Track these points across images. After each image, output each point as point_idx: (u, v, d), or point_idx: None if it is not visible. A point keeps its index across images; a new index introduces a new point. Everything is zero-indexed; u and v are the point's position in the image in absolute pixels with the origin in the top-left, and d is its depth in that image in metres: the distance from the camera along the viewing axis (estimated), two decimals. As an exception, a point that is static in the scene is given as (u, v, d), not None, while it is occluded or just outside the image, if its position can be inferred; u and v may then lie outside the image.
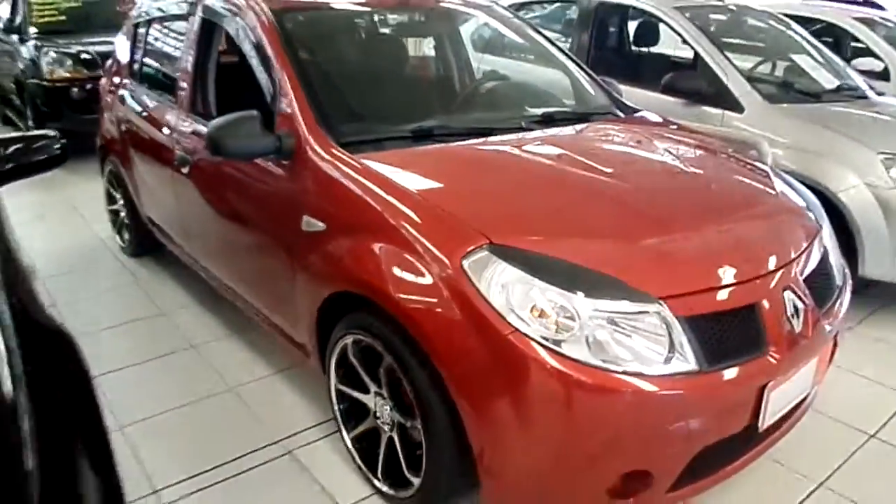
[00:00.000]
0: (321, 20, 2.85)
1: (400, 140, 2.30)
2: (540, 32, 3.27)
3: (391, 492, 2.10)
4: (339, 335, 2.13)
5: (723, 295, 1.81)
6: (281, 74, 2.39)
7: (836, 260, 2.32)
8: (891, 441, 2.54)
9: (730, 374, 1.75)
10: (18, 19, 6.59)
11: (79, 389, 1.38)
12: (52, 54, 5.90)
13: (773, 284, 1.89)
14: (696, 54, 3.89)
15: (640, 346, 1.68)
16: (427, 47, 3.19)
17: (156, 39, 3.57)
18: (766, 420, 1.89)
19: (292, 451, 2.41)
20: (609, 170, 2.21)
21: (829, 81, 4.01)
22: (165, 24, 3.48)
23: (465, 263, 1.74)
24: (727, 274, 1.85)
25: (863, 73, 5.24)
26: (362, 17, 3.02)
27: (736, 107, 3.68)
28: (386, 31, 3.06)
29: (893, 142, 3.36)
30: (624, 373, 1.65)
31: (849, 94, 4.02)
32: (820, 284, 2.11)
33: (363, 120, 2.43)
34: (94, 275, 3.93)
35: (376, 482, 2.15)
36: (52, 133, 2.16)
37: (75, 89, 5.86)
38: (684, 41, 3.99)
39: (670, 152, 2.49)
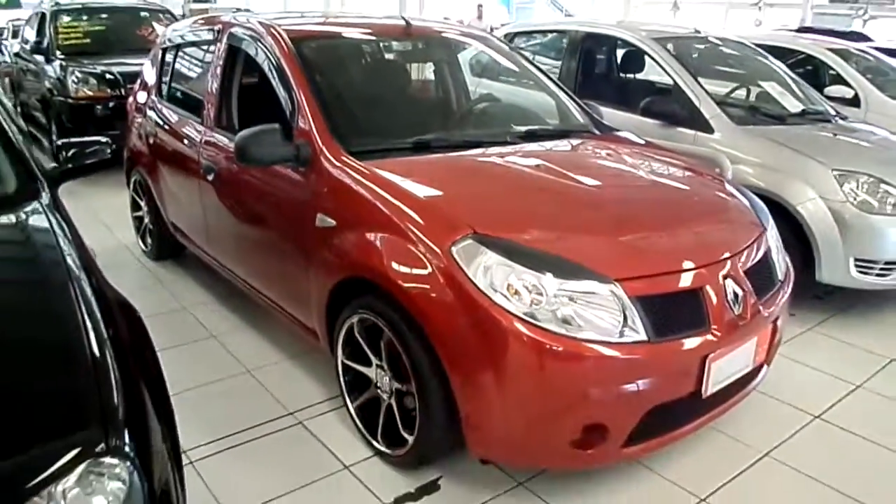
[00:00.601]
0: (333, 47, 3.24)
1: (401, 150, 2.67)
2: (528, 60, 3.67)
3: (388, 451, 2.43)
4: (346, 316, 2.48)
5: (669, 280, 2.17)
6: (298, 93, 2.76)
7: (779, 258, 2.67)
8: (833, 421, 2.87)
9: (674, 344, 2.10)
10: (45, 41, 7.01)
11: (144, 346, 1.75)
12: (78, 74, 6.30)
13: (715, 274, 2.24)
14: (672, 79, 4.27)
15: (598, 319, 2.03)
16: (427, 71, 3.57)
17: (182, 62, 3.96)
18: (710, 388, 2.22)
19: (303, 422, 2.74)
20: (578, 176, 2.59)
21: (794, 106, 4.38)
22: (191, 49, 3.88)
23: (454, 250, 2.09)
24: (674, 263, 2.21)
25: (835, 99, 5.66)
26: (369, 44, 3.41)
27: (707, 128, 4.05)
28: (391, 56, 3.45)
29: (846, 160, 3.73)
30: (584, 340, 2.00)
31: (812, 118, 4.39)
32: (761, 277, 2.47)
33: (370, 133, 2.80)
34: (120, 276, 4.24)
35: (376, 443, 2.48)
36: (103, 139, 2.54)
37: (99, 107, 6.24)
38: (662, 69, 4.36)
39: (635, 164, 2.86)
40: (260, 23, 3.18)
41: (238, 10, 17.75)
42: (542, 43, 5.51)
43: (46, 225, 1.90)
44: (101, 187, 5.82)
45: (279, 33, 3.02)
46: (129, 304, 1.90)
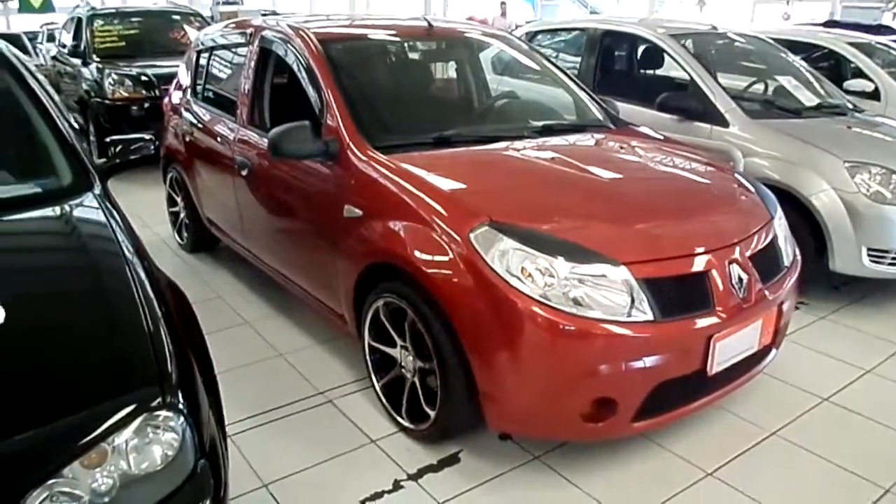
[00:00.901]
0: (359, 48, 3.41)
1: (424, 145, 2.83)
2: (546, 57, 3.81)
3: (412, 426, 2.60)
4: (372, 300, 2.65)
5: (675, 264, 2.30)
6: (327, 92, 2.94)
7: (786, 245, 2.78)
8: (841, 403, 2.97)
9: (679, 324, 2.24)
10: (82, 45, 7.31)
11: (191, 323, 1.93)
12: (115, 76, 6.58)
13: (720, 259, 2.37)
14: (689, 75, 4.37)
15: (607, 300, 2.17)
16: (448, 70, 3.73)
17: (216, 64, 4.17)
18: (715, 367, 2.35)
19: (332, 400, 2.92)
20: (591, 168, 2.73)
21: (809, 100, 4.46)
22: (223, 52, 4.08)
23: (472, 236, 2.25)
24: (680, 248, 2.35)
25: (855, 93, 5.70)
26: (393, 45, 3.58)
27: (722, 122, 4.15)
28: (413, 56, 3.61)
29: (858, 152, 3.81)
30: (594, 319, 2.14)
31: (828, 111, 4.46)
32: (767, 262, 2.59)
33: (394, 129, 2.97)
34: (160, 266, 4.50)
35: (400, 419, 2.65)
36: (147, 136, 2.74)
37: (134, 107, 6.51)
38: (678, 65, 4.47)
39: (647, 156, 3.00)
40: (290, 26, 3.37)
41: (266, 12, 18.12)
42: (563, 41, 5.63)
43: (100, 214, 2.09)
44: (137, 185, 6.09)
45: (308, 36, 3.20)
46: (177, 285, 2.08)
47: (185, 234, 4.67)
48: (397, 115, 3.12)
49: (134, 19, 7.79)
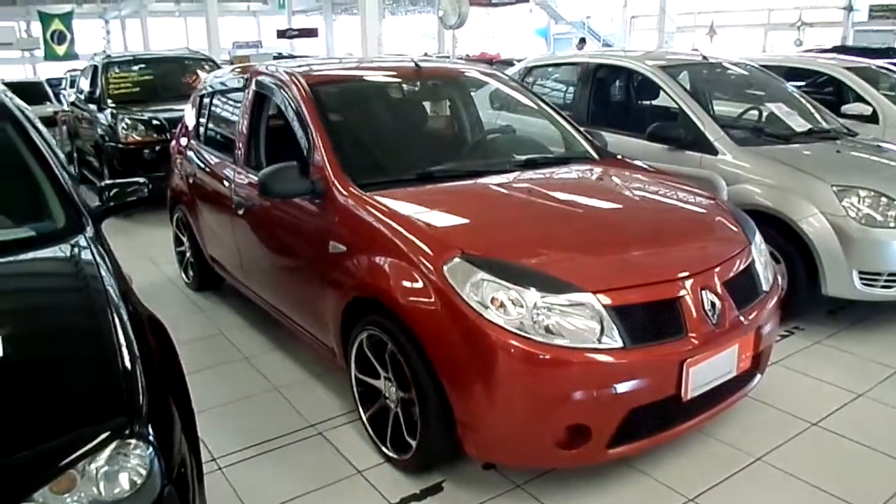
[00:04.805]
0: (347, 90, 3.54)
1: (405, 182, 2.92)
2: (532, 92, 3.92)
3: (396, 456, 2.65)
4: (357, 333, 2.72)
5: (645, 291, 2.35)
6: (314, 133, 3.06)
7: (765, 271, 2.82)
8: (830, 428, 2.96)
9: (650, 350, 2.29)
10: (97, 91, 7.59)
11: (169, 356, 2.02)
12: (128, 121, 6.81)
13: (691, 285, 2.42)
14: (678, 105, 4.45)
15: (578, 327, 2.23)
16: (434, 108, 3.84)
17: (216, 108, 4.33)
18: (689, 392, 2.38)
19: (322, 432, 2.98)
20: (567, 199, 2.82)
21: (800, 125, 4.50)
22: (224, 95, 4.25)
23: (445, 269, 2.33)
24: (650, 276, 2.41)
25: (853, 116, 5.74)
26: (380, 85, 3.71)
27: (711, 150, 4.21)
28: (400, 95, 3.73)
29: (845, 175, 3.83)
30: (564, 348, 2.20)
31: (819, 136, 4.50)
32: (743, 288, 2.63)
33: (376, 167, 3.08)
34: (163, 304, 4.62)
35: (385, 449, 2.70)
36: (141, 180, 2.87)
37: (146, 151, 6.72)
38: (668, 95, 4.55)
39: (626, 186, 3.07)
40: (282, 70, 3.51)
41: (280, 55, 18.52)
42: (560, 74, 5.75)
43: (89, 256, 2.20)
44: (148, 225, 6.29)
45: (298, 79, 3.33)
46: (160, 323, 2.17)
47: (190, 273, 4.80)
48: (380, 154, 3.23)
49: (147, 66, 8.07)
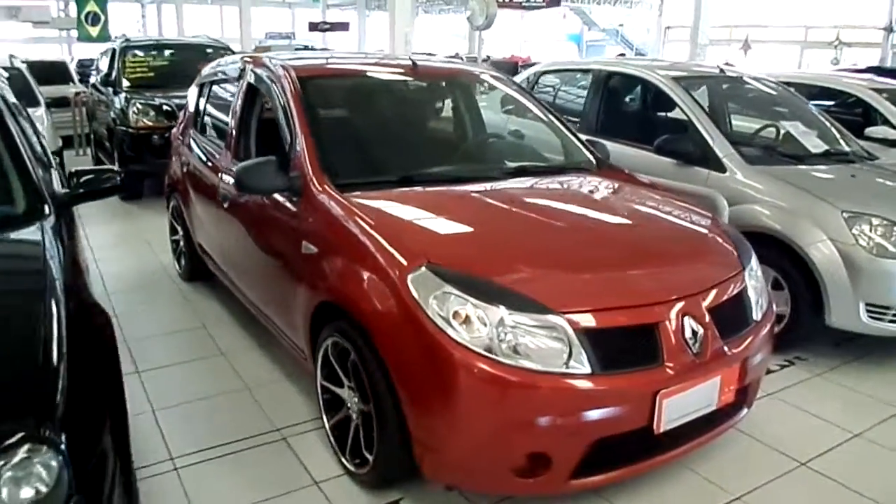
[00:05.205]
0: (337, 87, 3.44)
1: (386, 184, 2.81)
2: (532, 97, 3.78)
3: (354, 469, 2.54)
4: (324, 339, 2.61)
5: (619, 315, 2.21)
6: (298, 128, 2.95)
7: (758, 298, 2.65)
8: (818, 469, 2.79)
9: (620, 378, 2.14)
10: (113, 74, 7.58)
11: (110, 358, 1.92)
12: (139, 105, 6.79)
13: (672, 311, 2.27)
14: (687, 118, 4.28)
15: (543, 350, 2.09)
16: (426, 110, 3.71)
17: (213, 97, 4.26)
18: (662, 424, 2.24)
19: (286, 438, 2.88)
20: (551, 213, 2.68)
21: (816, 146, 4.31)
22: (221, 85, 4.17)
23: (409, 278, 2.21)
24: (626, 299, 2.26)
25: (877, 140, 5.50)
26: (372, 85, 3.59)
27: (720, 167, 4.04)
28: (393, 95, 3.60)
29: (858, 201, 3.64)
30: (527, 370, 2.07)
31: (836, 158, 4.31)
32: (731, 316, 2.47)
33: (357, 167, 2.96)
34: (152, 293, 4.58)
35: (344, 461, 2.59)
36: (115, 168, 2.79)
37: (156, 136, 6.68)
38: (678, 107, 4.39)
39: (618, 201, 2.92)
40: (275, 61, 3.41)
41: (305, 47, 18.50)
42: (570, 81, 5.60)
43: (39, 243, 2.12)
44: (155, 211, 6.25)
45: (288, 72, 3.23)
46: (105, 315, 2.08)
47: (182, 262, 4.74)
48: (363, 153, 3.12)
49: (166, 51, 8.05)
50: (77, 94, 9.64)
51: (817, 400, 3.35)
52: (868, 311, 3.52)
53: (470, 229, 2.55)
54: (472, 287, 2.16)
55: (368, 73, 3.60)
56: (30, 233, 2.19)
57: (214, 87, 4.27)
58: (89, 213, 6.59)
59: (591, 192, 3.00)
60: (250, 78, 3.58)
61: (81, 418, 1.60)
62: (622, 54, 21.06)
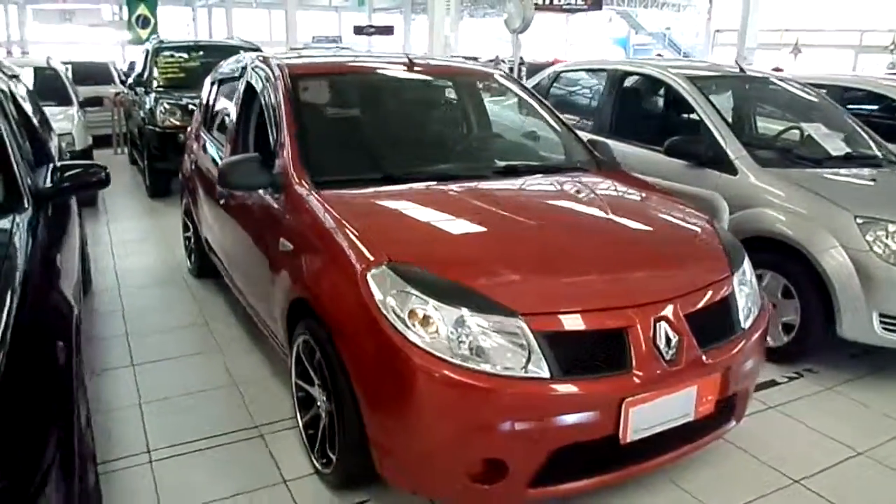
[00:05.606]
0: (328, 83, 3.43)
1: (366, 182, 2.78)
2: (534, 95, 3.71)
3: (321, 469, 2.51)
4: (296, 336, 2.60)
5: (583, 318, 2.12)
6: (284, 125, 2.95)
7: (747, 305, 2.53)
8: (812, 488, 2.63)
9: (581, 384, 2.06)
10: (146, 74, 7.76)
11: (64, 362, 1.88)
12: (166, 105, 6.93)
13: (644, 316, 2.17)
14: (700, 119, 4.14)
15: (500, 353, 2.03)
16: (417, 108, 3.66)
17: (219, 95, 4.30)
18: (629, 434, 2.14)
19: (263, 435, 2.88)
20: (531, 213, 2.60)
21: (837, 149, 4.11)
22: (226, 84, 4.21)
23: (368, 276, 2.17)
24: (591, 302, 2.17)
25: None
26: (364, 83, 3.56)
27: (731, 170, 3.89)
28: (383, 94, 3.57)
29: (874, 206, 3.45)
30: (482, 373, 2.00)
31: (859, 162, 4.10)
32: (713, 322, 2.35)
33: (337, 164, 2.92)
34: (163, 289, 4.65)
35: (313, 459, 2.56)
36: (102, 164, 2.82)
37: (181, 135, 6.78)
38: (690, 107, 4.24)
39: (607, 202, 2.82)
40: (273, 60, 3.42)
41: (337, 45, 18.71)
42: (587, 81, 5.49)
43: (5, 237, 2.14)
44: (175, 206, 6.33)
45: (281, 69, 3.24)
46: (69, 310, 2.08)
47: (192, 259, 4.80)
48: (346, 151, 3.09)
49: (195, 52, 8.20)
50: (116, 94, 9.90)
51: (822, 415, 3.19)
52: (882, 322, 3.34)
53: (440, 228, 2.49)
54: (432, 287, 2.11)
55: (361, 72, 3.58)
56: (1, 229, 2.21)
57: (222, 86, 4.31)
58: (116, 209, 6.79)
59: (579, 192, 2.90)
60: (249, 76, 3.60)
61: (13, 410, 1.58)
62: (659, 55, 20.67)
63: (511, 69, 16.07)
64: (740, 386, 2.49)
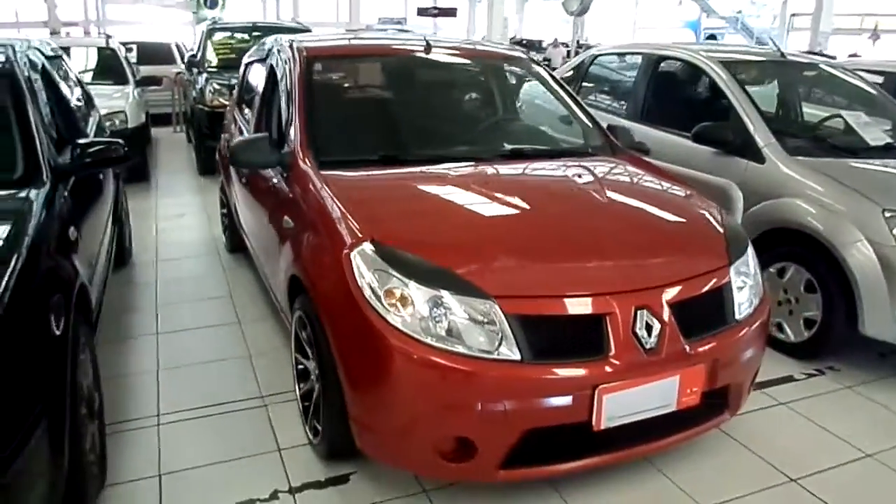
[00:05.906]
0: (342, 65, 3.48)
1: (367, 162, 2.83)
2: (553, 78, 3.67)
3: (312, 439, 2.60)
4: (294, 311, 2.68)
5: (558, 303, 2.13)
6: (296, 105, 3.03)
7: (744, 296, 2.46)
8: (809, 487, 2.56)
9: (552, 368, 2.07)
10: (199, 55, 8.01)
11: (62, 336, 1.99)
12: (215, 85, 7.15)
13: (623, 302, 2.16)
14: (730, 105, 4.02)
15: (472, 334, 2.06)
16: (430, 90, 3.67)
17: (249, 77, 4.42)
18: (603, 421, 2.14)
19: (268, 405, 2.99)
20: (527, 196, 2.60)
21: (876, 138, 3.92)
22: (255, 65, 4.32)
23: (352, 255, 2.22)
24: (570, 287, 2.17)
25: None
26: (378, 64, 3.61)
27: (758, 158, 3.77)
28: (396, 76, 3.60)
29: (903, 200, 3.29)
30: (453, 354, 2.04)
31: (901, 152, 3.91)
32: (702, 312, 2.31)
33: (343, 145, 2.98)
34: (198, 262, 4.85)
35: (306, 430, 2.65)
36: (120, 141, 2.96)
37: (229, 115, 7.02)
38: (723, 93, 4.11)
39: (611, 187, 2.80)
40: (296, 43, 3.49)
41: (399, 27, 18.83)
42: (623, 65, 5.37)
43: (18, 208, 2.28)
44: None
45: (299, 52, 3.31)
46: (70, 282, 2.20)
47: (227, 235, 4.98)
48: (353, 132, 3.14)
49: (247, 33, 8.41)
50: (177, 73, 10.25)
51: (836, 414, 3.08)
52: (906, 320, 3.20)
53: (430, 209, 2.53)
54: (408, 266, 2.15)
55: (377, 54, 3.62)
56: (13, 199, 2.36)
57: (253, 68, 4.43)
58: (167, 185, 7.07)
59: (581, 177, 2.88)
60: (273, 59, 3.69)
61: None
62: (712, 36, 19.88)
63: (569, 52, 15.83)
64: (734, 378, 2.45)
